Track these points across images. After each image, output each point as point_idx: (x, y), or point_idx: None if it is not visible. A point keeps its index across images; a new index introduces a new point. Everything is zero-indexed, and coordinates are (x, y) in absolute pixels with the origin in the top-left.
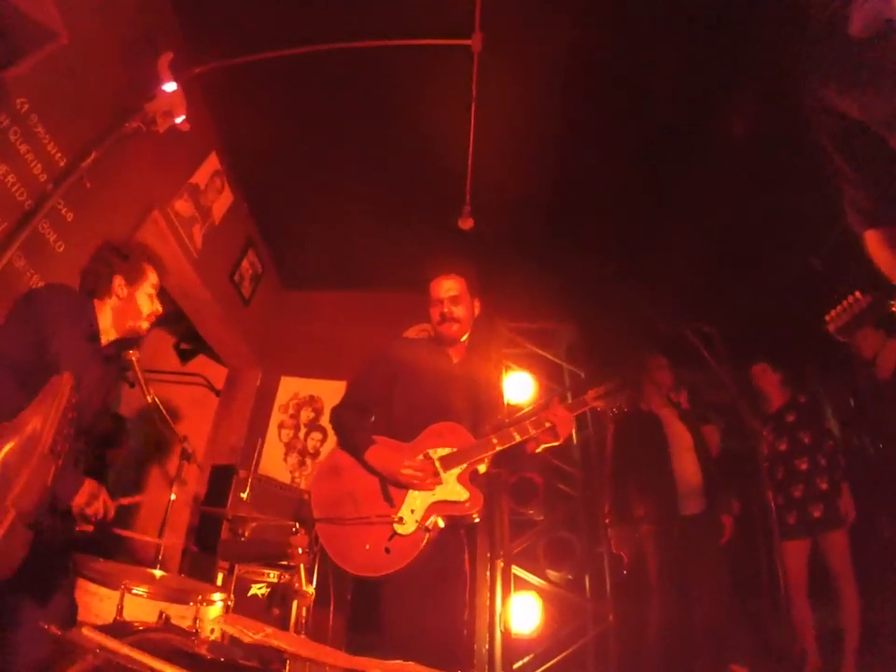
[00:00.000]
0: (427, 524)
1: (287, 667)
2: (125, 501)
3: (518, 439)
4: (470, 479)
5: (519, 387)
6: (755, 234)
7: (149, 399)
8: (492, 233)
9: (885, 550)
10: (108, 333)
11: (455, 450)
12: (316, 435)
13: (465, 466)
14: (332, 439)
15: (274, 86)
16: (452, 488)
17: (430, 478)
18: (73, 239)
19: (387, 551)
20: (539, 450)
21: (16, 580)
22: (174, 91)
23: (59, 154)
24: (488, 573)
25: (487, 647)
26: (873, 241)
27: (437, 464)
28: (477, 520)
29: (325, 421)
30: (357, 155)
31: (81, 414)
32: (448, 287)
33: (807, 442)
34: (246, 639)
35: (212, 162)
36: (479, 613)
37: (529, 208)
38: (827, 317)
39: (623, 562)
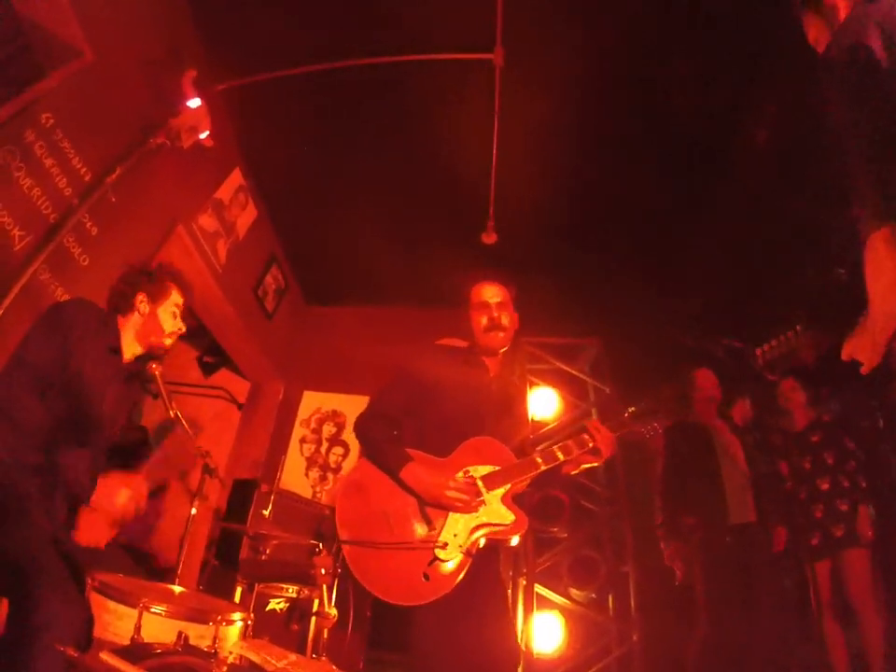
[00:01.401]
0: (471, 548)
1: None
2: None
3: (562, 458)
4: (514, 499)
5: (544, 403)
6: (782, 246)
7: (172, 413)
8: (515, 248)
9: None
10: (132, 348)
11: (497, 468)
12: (338, 450)
13: (509, 486)
14: (354, 454)
15: (298, 102)
16: (496, 510)
17: (474, 500)
18: (97, 253)
19: (426, 577)
20: (575, 472)
21: (33, 593)
22: (198, 107)
23: (84, 169)
24: (510, 591)
25: None
26: (881, 243)
27: (480, 484)
28: (516, 542)
29: (347, 436)
30: (380, 170)
31: (106, 428)
32: (494, 292)
33: (830, 463)
34: (269, 668)
35: (236, 178)
36: None
37: (552, 223)
38: (758, 350)
39: (677, 576)
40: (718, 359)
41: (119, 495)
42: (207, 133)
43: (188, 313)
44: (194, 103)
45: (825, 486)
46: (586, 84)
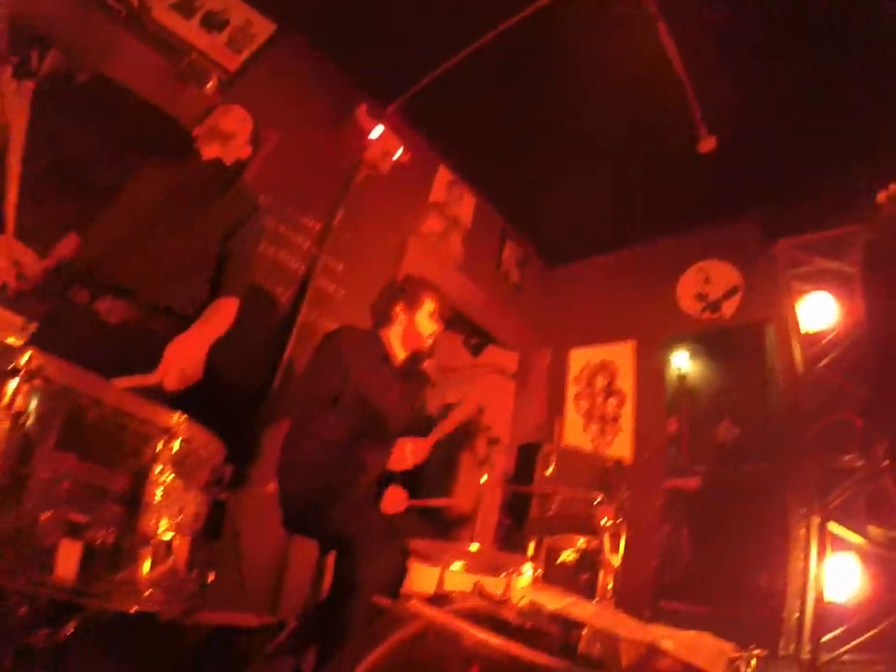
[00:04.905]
0: None
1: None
2: (435, 503)
3: None
4: None
5: (818, 311)
6: None
7: (447, 401)
8: (731, 147)
9: None
10: (400, 353)
11: None
12: (613, 400)
13: None
14: (631, 402)
15: (466, 85)
16: None
17: None
18: (347, 284)
19: None
20: None
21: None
22: (382, 133)
23: (312, 223)
24: (803, 531)
25: (798, 615)
26: None
27: None
28: None
29: (620, 383)
30: (566, 120)
31: (392, 422)
32: None
33: None
34: (550, 606)
35: (444, 176)
36: (791, 577)
37: (762, 118)
38: None
39: None
40: None
41: (405, 452)
42: (401, 150)
43: (443, 312)
44: (377, 131)
45: None
46: None
